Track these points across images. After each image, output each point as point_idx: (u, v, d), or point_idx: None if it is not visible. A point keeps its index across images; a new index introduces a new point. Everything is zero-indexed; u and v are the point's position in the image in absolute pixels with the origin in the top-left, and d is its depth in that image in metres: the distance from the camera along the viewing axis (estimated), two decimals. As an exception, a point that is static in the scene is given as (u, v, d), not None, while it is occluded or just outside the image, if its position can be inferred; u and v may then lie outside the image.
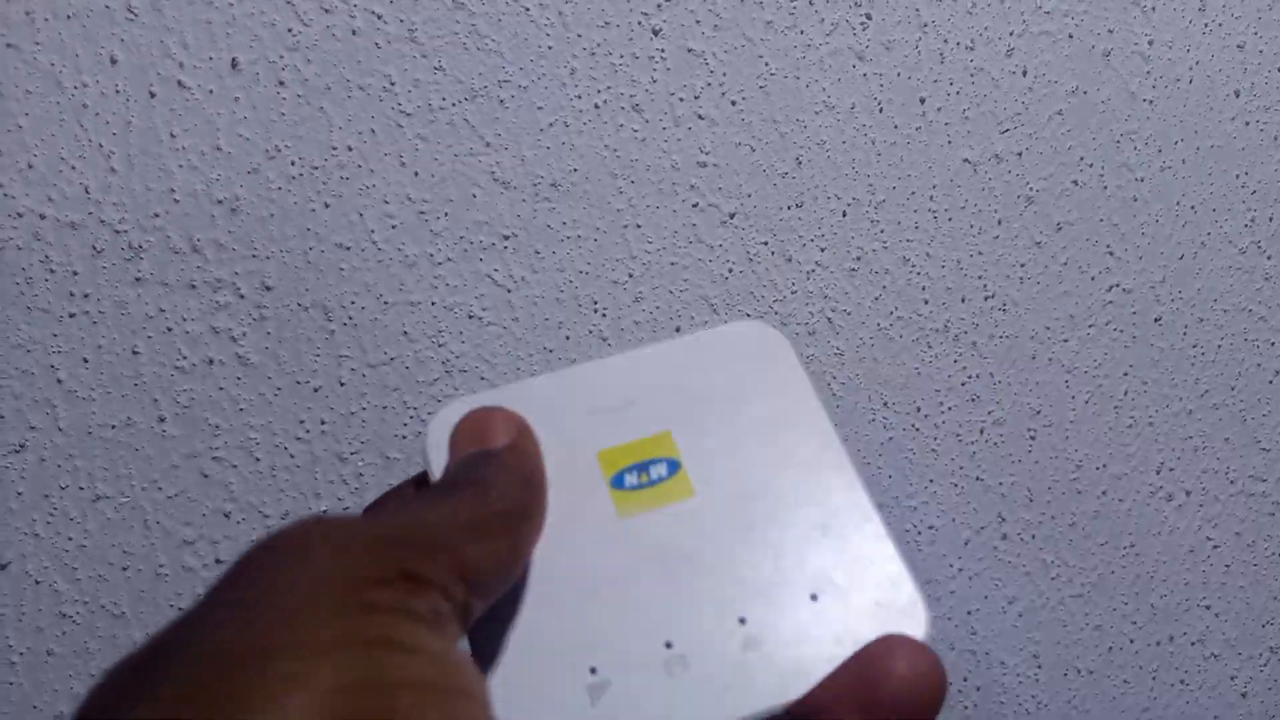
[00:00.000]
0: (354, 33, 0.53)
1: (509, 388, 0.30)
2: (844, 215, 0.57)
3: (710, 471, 0.28)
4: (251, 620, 0.17)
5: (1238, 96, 0.61)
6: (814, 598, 0.25)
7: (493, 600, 0.22)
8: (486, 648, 0.25)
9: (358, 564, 0.18)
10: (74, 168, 0.51)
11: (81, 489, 0.53)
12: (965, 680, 0.60)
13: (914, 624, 0.25)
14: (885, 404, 0.58)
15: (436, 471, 0.27)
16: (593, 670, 0.25)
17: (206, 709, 0.16)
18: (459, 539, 0.21)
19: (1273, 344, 0.63)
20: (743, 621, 0.25)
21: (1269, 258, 0.62)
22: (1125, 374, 0.61)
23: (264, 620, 0.17)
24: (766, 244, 0.57)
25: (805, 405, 0.29)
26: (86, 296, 0.52)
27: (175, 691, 0.16)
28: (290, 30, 0.52)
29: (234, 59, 0.52)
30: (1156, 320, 0.61)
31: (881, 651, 0.23)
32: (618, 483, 0.28)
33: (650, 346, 0.31)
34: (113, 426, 0.53)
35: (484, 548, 0.21)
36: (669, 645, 0.25)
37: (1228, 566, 0.63)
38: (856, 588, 0.26)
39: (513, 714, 0.24)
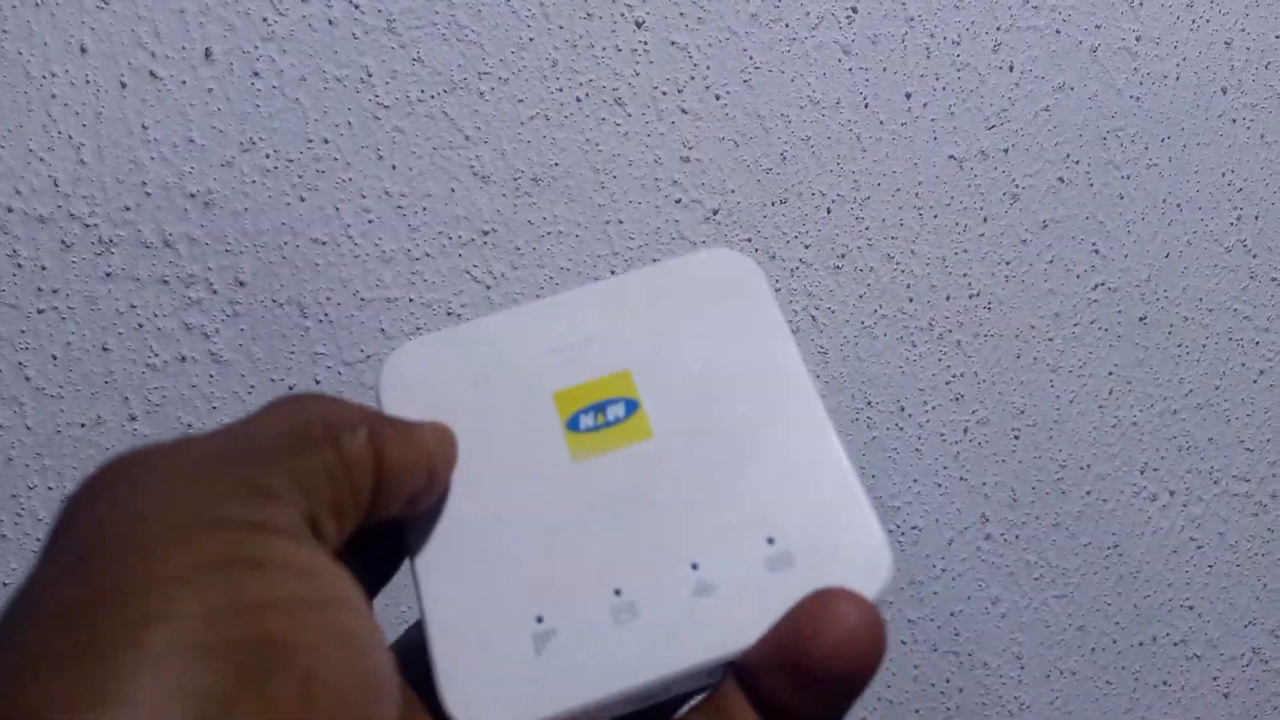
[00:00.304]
0: (331, 23, 0.52)
1: (465, 326, 0.28)
2: (828, 212, 0.57)
3: (670, 412, 0.26)
4: (89, 566, 0.15)
5: (1225, 93, 0.61)
6: (770, 541, 0.24)
7: (352, 520, 0.20)
8: (430, 591, 0.24)
9: (196, 483, 0.17)
10: (42, 159, 0.50)
11: (50, 489, 0.52)
12: (948, 681, 0.60)
13: (876, 571, 0.23)
14: (869, 403, 0.58)
15: (388, 412, 0.26)
16: (539, 618, 0.23)
17: (53, 669, 0.14)
18: (283, 446, 0.19)
19: (1257, 343, 0.62)
20: (695, 567, 0.24)
21: (1254, 256, 0.62)
22: (1110, 373, 0.61)
23: (105, 562, 0.15)
24: (750, 240, 0.56)
25: (775, 341, 0.27)
26: (55, 292, 0.51)
27: (14, 660, 0.15)
28: (265, 20, 0.51)
29: (208, 49, 0.51)
30: (1141, 319, 0.61)
31: (815, 607, 0.21)
32: (573, 425, 0.27)
33: (615, 278, 0.29)
34: (82, 425, 0.52)
35: (310, 458, 0.19)
36: (618, 592, 0.24)
37: (1210, 567, 0.63)
38: (817, 532, 0.24)
39: (455, 662, 0.23)
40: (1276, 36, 0.61)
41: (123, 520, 0.16)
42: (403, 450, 0.22)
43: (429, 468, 0.23)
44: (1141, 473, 0.62)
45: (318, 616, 0.17)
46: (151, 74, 0.51)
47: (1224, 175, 0.61)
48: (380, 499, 0.21)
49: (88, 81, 0.50)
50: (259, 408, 0.21)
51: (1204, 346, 0.62)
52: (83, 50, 0.50)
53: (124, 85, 0.50)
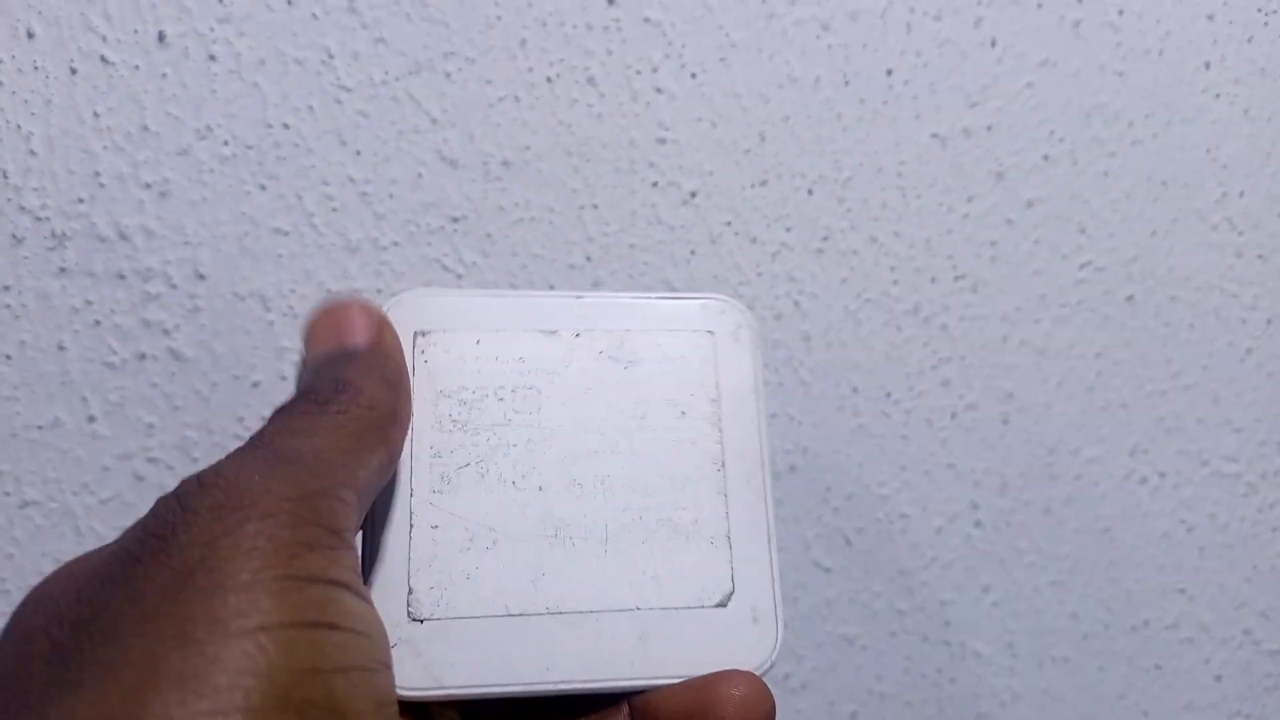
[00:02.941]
0: (289, 3, 0.50)
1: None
2: (810, 193, 0.55)
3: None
4: (201, 596, 0.18)
5: (1208, 69, 0.60)
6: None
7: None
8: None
9: (285, 529, 0.19)
10: (-12, 150, 0.48)
11: (8, 494, 0.50)
12: (939, 672, 0.59)
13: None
14: (854, 389, 0.56)
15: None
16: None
17: (174, 687, 0.17)
18: (351, 462, 0.22)
19: (1244, 322, 0.62)
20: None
21: (1240, 234, 0.61)
22: (1098, 355, 0.60)
23: (214, 597, 0.18)
24: (730, 224, 0.55)
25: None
26: (7, 289, 0.49)
27: (135, 667, 0.17)
28: (221, 1, 0.49)
29: (161, 31, 0.49)
30: (1128, 299, 0.60)
31: (719, 682, 0.25)
32: None
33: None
34: (39, 427, 0.50)
35: (370, 462, 0.22)
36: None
37: (1201, 549, 0.62)
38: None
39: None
40: (1258, 10, 0.60)
41: (227, 556, 0.18)
42: (409, 412, 0.25)
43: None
44: (1131, 455, 0.61)
45: (367, 681, 0.20)
46: (103, 59, 0.49)
47: (1208, 151, 0.60)
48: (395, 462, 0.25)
49: (36, 68, 0.48)
50: (312, 398, 0.23)
51: (1191, 326, 0.61)
52: (30, 35, 0.48)
53: (74, 71, 0.49)
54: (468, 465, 0.26)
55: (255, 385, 0.51)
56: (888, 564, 0.58)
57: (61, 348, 0.50)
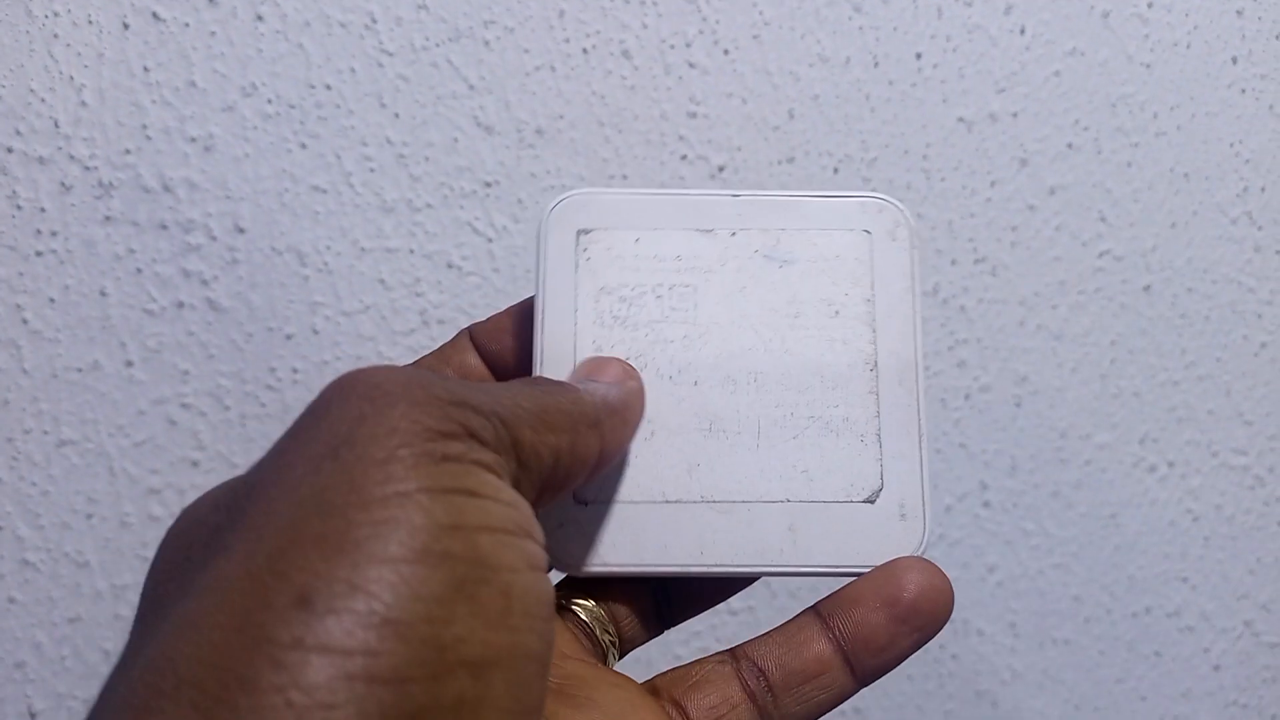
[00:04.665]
0: (335, -33, 0.51)
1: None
2: (835, 171, 0.56)
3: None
4: (342, 467, 0.18)
5: (1235, 63, 0.60)
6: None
7: (549, 497, 0.23)
8: None
9: (430, 418, 0.20)
10: (44, 100, 0.50)
11: (46, 433, 0.52)
12: (942, 648, 0.60)
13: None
14: (871, 366, 0.57)
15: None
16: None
17: (314, 548, 0.17)
18: (518, 419, 0.21)
19: (1260, 316, 0.62)
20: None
21: (1260, 228, 0.62)
22: (1113, 342, 0.60)
23: (355, 468, 0.18)
24: (755, 199, 0.56)
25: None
26: (54, 234, 0.51)
27: (279, 532, 0.18)
28: (269, -38, 0.51)
29: (210, -10, 0.50)
30: (1146, 289, 0.61)
31: (902, 565, 0.26)
32: None
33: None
34: (79, 369, 0.52)
35: (541, 437, 0.22)
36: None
37: (1206, 539, 0.63)
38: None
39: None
40: (1289, 7, 0.61)
41: (375, 435, 0.19)
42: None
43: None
44: (1141, 443, 0.61)
45: (516, 543, 0.20)
46: (154, 15, 0.50)
47: (1231, 146, 0.61)
48: (576, 480, 0.24)
49: (90, 21, 0.50)
50: (523, 379, 0.24)
51: (1207, 318, 0.62)
52: (84, -12, 0.49)
53: (126, 26, 0.50)
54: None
55: (289, 337, 0.53)
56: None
57: (103, 293, 0.51)
